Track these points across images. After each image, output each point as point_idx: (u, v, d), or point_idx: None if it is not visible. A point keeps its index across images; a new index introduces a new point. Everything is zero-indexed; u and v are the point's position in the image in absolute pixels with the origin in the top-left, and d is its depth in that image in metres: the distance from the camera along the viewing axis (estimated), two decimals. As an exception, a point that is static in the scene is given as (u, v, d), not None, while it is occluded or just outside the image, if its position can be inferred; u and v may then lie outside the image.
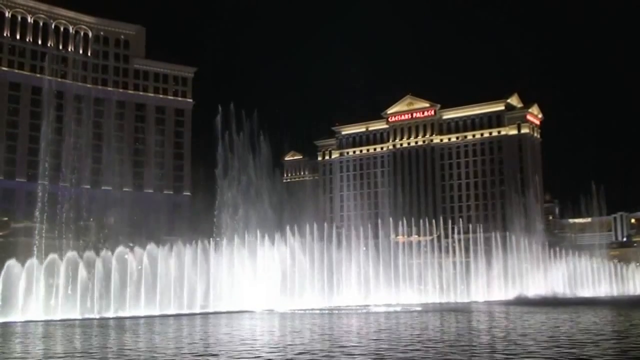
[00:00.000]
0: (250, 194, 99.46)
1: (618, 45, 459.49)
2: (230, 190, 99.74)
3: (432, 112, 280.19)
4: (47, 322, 61.50)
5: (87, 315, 68.20)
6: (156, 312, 73.54)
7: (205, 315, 73.72)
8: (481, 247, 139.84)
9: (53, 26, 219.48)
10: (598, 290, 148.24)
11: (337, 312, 77.63)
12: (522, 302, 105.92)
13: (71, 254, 73.44)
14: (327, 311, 79.26)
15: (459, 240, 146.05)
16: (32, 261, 71.45)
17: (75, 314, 68.13)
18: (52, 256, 72.26)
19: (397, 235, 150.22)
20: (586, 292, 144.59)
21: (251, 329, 52.27)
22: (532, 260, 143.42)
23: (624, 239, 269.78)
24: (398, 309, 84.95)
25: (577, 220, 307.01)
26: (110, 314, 70.09)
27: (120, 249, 77.34)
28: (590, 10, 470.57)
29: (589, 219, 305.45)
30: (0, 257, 72.33)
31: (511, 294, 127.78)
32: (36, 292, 68.49)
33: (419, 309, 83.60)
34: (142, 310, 73.19)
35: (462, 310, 76.86)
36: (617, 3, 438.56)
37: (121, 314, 70.72)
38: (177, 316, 71.21)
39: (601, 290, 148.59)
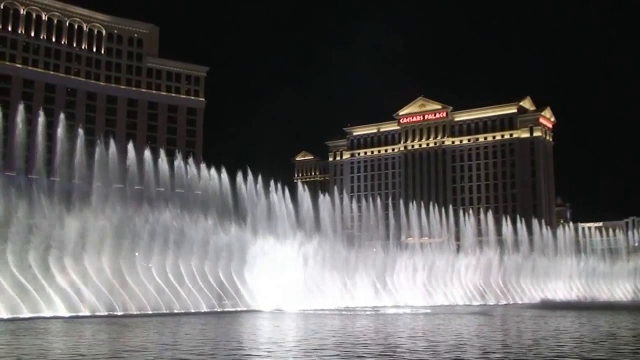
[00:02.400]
0: (261, 194, 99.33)
1: (632, 48, 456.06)
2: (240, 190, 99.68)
3: (444, 114, 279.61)
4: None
5: (97, 313, 68.18)
6: (163, 310, 73.45)
7: (213, 314, 73.64)
8: (492, 249, 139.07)
9: (67, 24, 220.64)
10: (615, 294, 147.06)
11: (345, 313, 77.36)
12: (542, 306, 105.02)
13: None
14: (336, 312, 79.02)
15: (470, 242, 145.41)
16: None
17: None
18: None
19: (407, 237, 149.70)
20: (604, 296, 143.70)
21: (255, 327, 52.11)
22: (546, 264, 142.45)
23: (636, 244, 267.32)
24: (407, 310, 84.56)
25: (588, 224, 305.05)
26: (118, 311, 70.01)
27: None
28: (603, 14, 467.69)
29: (601, 223, 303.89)
30: None
31: (525, 298, 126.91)
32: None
33: (428, 311, 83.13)
34: (149, 308, 73.03)
35: (472, 313, 76.35)
36: (632, 5, 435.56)
37: (126, 311, 70.58)
38: (185, 315, 71.18)
39: (618, 294, 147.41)
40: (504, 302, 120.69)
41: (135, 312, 69.74)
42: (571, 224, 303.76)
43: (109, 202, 78.43)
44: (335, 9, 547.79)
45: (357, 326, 53.51)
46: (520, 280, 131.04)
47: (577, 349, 33.75)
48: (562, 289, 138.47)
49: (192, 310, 75.90)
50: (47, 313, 64.03)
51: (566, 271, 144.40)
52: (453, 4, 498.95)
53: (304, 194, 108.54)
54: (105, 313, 67.99)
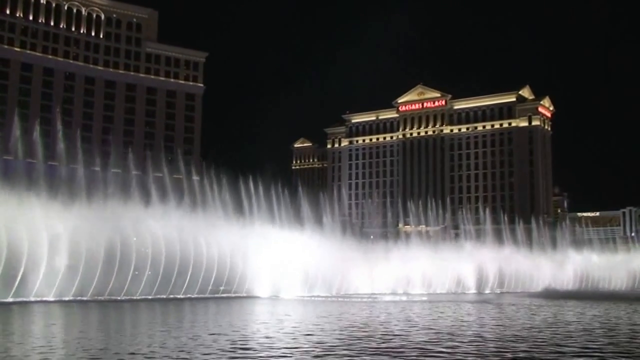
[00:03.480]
0: (259, 181, 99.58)
1: (632, 38, 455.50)
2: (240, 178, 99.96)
3: (443, 102, 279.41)
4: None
5: (97, 297, 68.54)
6: (165, 295, 73.88)
7: (213, 299, 74.18)
8: (490, 238, 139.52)
9: (66, 7, 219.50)
10: (610, 284, 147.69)
11: (342, 299, 77.88)
12: (545, 294, 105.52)
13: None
14: (332, 299, 79.53)
15: (468, 231, 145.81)
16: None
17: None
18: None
19: (405, 224, 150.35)
20: (605, 285, 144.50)
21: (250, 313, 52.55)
22: (542, 253, 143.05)
23: (633, 234, 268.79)
24: (404, 298, 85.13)
25: (585, 214, 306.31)
26: (121, 296, 70.41)
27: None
28: (602, 5, 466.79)
29: (598, 213, 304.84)
30: None
31: (524, 286, 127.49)
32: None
33: (424, 298, 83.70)
34: (152, 293, 73.41)
35: (467, 301, 76.89)
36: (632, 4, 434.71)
37: (130, 296, 70.99)
38: (187, 299, 71.69)
39: (617, 284, 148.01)
40: (498, 290, 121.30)
41: (136, 297, 70.19)
42: (568, 213, 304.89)
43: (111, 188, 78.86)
44: (337, 1, 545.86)
45: (350, 312, 53.96)
46: (517, 269, 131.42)
47: (571, 339, 34.16)
48: (562, 278, 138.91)
49: (193, 296, 76.38)
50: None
51: (566, 260, 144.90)
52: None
53: (300, 182, 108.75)
54: (107, 297, 68.38)
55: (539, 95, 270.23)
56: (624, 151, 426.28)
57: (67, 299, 65.37)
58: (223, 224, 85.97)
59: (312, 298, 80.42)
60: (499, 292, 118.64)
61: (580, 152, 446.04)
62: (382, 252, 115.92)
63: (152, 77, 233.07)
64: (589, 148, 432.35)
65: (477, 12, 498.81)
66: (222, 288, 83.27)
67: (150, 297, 71.27)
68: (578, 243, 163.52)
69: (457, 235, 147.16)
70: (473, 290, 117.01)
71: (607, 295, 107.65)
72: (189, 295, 76.28)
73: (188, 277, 77.63)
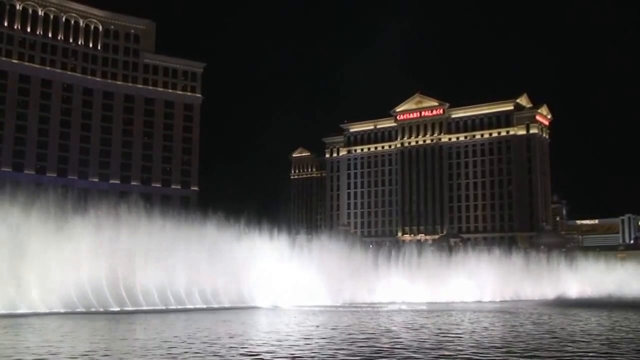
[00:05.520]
0: (259, 190, 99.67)
1: (629, 47, 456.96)
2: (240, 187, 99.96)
3: (441, 111, 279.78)
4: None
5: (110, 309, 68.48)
6: (159, 307, 73.58)
7: (210, 310, 73.87)
8: (489, 246, 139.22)
9: (63, 19, 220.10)
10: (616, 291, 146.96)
11: (342, 309, 77.57)
12: (555, 303, 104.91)
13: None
14: (332, 309, 79.19)
15: (467, 239, 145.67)
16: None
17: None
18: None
19: (403, 233, 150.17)
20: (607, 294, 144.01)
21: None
22: (543, 262, 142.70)
23: (631, 241, 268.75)
24: (404, 307, 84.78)
25: (584, 222, 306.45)
26: (115, 307, 70.19)
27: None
28: (600, 13, 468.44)
29: (597, 221, 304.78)
30: None
31: (523, 295, 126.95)
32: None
33: (423, 307, 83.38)
34: (143, 305, 73.13)
35: (465, 310, 76.60)
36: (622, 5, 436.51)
37: (125, 308, 70.75)
38: (185, 311, 71.38)
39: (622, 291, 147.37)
40: (498, 299, 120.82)
41: (128, 308, 69.93)
42: (567, 221, 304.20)
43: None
44: (334, 7, 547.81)
45: (342, 321, 53.79)
46: (516, 277, 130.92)
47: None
48: (567, 286, 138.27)
49: (189, 307, 76.09)
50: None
51: (569, 268, 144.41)
52: (452, 1, 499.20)
53: (299, 192, 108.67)
54: (101, 309, 68.18)
55: (536, 103, 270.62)
56: (624, 158, 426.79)
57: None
58: (224, 238, 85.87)
59: (311, 308, 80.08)
60: (498, 301, 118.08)
61: (579, 159, 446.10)
62: (381, 261, 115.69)
63: (150, 87, 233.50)
64: (587, 155, 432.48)
65: (475, 15, 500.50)
66: (218, 298, 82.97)
67: (144, 308, 70.96)
68: (579, 250, 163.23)
69: (455, 244, 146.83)
70: (474, 299, 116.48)
71: (620, 303, 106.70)
72: (185, 306, 76.03)
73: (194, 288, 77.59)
